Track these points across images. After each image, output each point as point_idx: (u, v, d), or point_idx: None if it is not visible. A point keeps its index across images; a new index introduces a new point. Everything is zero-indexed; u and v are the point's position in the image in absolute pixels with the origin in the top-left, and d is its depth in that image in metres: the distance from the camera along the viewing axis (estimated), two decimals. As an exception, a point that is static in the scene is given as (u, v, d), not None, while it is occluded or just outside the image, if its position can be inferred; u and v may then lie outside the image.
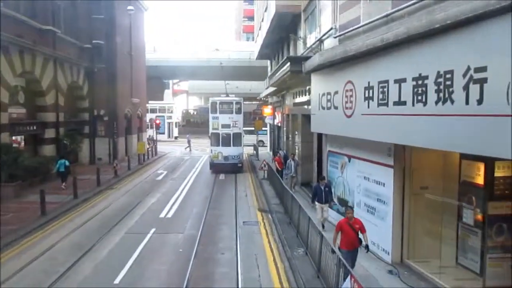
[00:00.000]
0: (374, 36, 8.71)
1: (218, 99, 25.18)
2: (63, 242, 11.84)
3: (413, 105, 7.48)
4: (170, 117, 55.87)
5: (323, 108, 12.54)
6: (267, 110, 30.99)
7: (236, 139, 24.64)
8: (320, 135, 14.80)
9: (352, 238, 8.51)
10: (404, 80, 7.81)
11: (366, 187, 10.70)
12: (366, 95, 9.54)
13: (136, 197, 17.86)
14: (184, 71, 61.95)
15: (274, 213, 14.68)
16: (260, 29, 30.12)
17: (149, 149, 37.05)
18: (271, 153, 34.50)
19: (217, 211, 15.52)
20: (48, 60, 21.74)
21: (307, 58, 14.28)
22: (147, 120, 40.66)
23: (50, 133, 22.14)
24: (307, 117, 18.49)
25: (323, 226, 11.97)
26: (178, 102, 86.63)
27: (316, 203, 12.29)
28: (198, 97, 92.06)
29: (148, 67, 56.74)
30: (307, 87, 17.05)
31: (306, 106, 17.74)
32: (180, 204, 16.54)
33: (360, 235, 8.55)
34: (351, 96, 10.42)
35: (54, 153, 21.89)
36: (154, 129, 37.40)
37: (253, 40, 70.64)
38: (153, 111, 58.51)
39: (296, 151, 22.28)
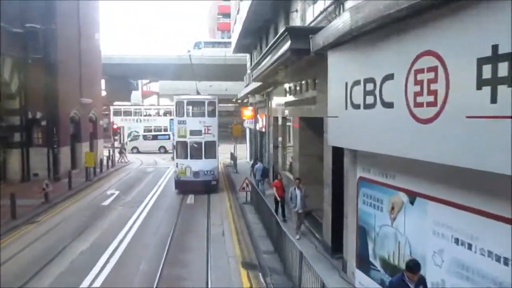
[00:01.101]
0: None
1: (186, 97, 19.60)
2: None
3: None
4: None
5: (355, 106, 7.30)
6: (247, 112, 25.67)
7: (209, 150, 19.14)
8: (338, 149, 9.51)
9: None
10: None
11: (462, 259, 5.48)
12: (484, 75, 4.35)
13: (58, 241, 12.03)
14: (152, 70, 55.84)
15: (267, 274, 9.30)
16: (238, 12, 24.79)
17: (121, 159, 31.21)
18: (251, 162, 29.14)
19: (177, 269, 9.96)
20: None
21: (318, 29, 9.04)
22: (112, 125, 34.62)
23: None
24: (309, 121, 13.28)
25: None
26: (148, 104, 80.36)
27: None
28: (170, 99, 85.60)
29: (111, 65, 50.72)
30: (312, 78, 11.80)
31: (308, 106, 12.50)
32: (122, 256, 10.87)
33: None
34: (432, 81, 5.21)
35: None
36: (112, 136, 31.36)
37: (228, 38, 65.60)
38: (117, 113, 52.32)
39: (287, 166, 17.01)
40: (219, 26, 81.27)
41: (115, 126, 30.74)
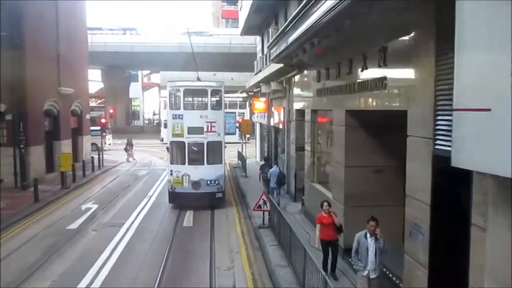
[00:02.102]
0: None
1: (183, 84, 15.05)
2: None
3: None
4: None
5: None
6: (259, 105, 21.19)
7: (213, 153, 14.73)
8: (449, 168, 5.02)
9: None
10: None
11: None
12: None
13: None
14: (152, 60, 51.28)
15: None
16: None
17: (128, 158, 26.80)
18: (261, 162, 24.81)
19: None
20: None
21: None
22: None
23: None
24: (363, 117, 8.86)
25: None
26: (149, 96, 75.90)
27: None
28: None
29: (107, 54, 46.29)
30: (379, 48, 7.29)
31: (367, 94, 8.02)
32: None
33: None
34: None
35: None
36: (100, 132, 26.95)
37: (235, 28, 60.83)
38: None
39: (316, 174, 12.58)
40: (223, 14, 76.49)
41: (103, 120, 26.23)
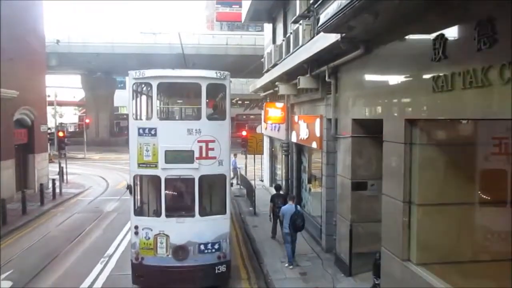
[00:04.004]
0: None
1: (157, 74, 8.38)
2: None
3: None
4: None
5: None
6: (275, 113, 14.86)
7: (211, 195, 8.53)
8: None
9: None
10: None
11: None
12: None
13: None
14: (141, 63, 44.71)
15: None
16: None
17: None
18: (270, 188, 18.53)
19: None
20: None
21: None
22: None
23: None
24: None
25: None
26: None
27: None
28: (162, 100, 74.49)
29: (87, 56, 40.07)
30: None
31: None
32: None
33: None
34: None
35: None
36: (58, 147, 20.40)
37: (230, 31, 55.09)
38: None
39: (401, 237, 6.36)
40: (218, 16, 70.86)
41: (60, 134, 19.72)
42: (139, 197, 8.56)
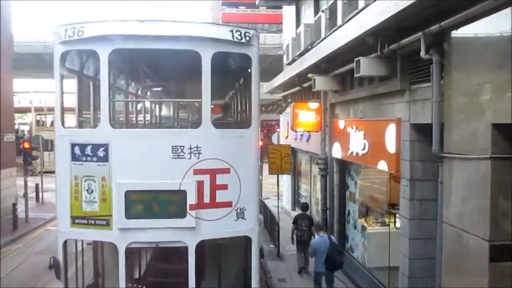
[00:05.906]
0: None
1: (110, 28, 3.81)
2: None
3: None
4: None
5: None
6: (307, 116, 10.50)
7: (219, 279, 4.25)
8: None
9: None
10: None
11: None
12: None
13: None
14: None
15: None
16: None
17: None
18: (294, 213, 14.27)
19: None
20: None
21: None
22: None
23: None
24: None
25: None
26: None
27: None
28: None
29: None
30: None
31: None
32: None
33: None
34: None
35: None
36: (23, 161, 16.16)
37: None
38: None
39: None
40: (224, 18, 67.35)
41: (26, 145, 15.52)
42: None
